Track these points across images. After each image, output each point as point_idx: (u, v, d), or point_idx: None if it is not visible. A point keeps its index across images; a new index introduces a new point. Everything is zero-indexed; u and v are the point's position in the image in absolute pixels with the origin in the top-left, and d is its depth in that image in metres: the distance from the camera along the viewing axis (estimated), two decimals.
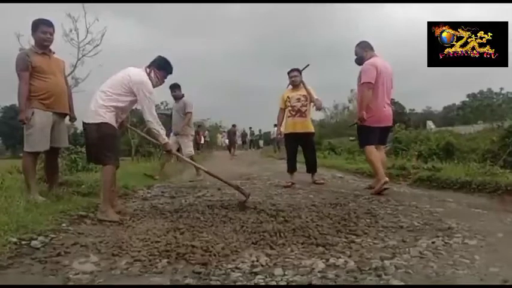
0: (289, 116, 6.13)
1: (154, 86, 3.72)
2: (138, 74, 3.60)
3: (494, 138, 8.40)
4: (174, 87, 7.20)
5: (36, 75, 3.91)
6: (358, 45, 5.25)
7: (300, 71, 6.02)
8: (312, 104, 6.02)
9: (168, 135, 5.16)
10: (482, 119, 25.74)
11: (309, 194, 4.78)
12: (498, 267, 1.97)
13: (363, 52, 5.16)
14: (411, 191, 5.13)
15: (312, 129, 6.20)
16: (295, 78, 6.09)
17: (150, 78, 3.67)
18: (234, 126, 22.80)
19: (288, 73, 6.22)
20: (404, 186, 5.68)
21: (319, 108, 6.23)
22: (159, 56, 3.87)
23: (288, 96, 6.15)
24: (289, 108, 6.08)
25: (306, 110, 5.99)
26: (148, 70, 3.74)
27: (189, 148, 7.20)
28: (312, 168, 6.22)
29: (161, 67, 3.81)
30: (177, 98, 7.24)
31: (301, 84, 6.00)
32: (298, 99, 6.02)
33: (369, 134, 5.00)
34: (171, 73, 3.94)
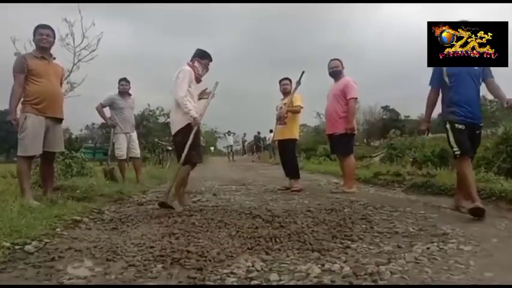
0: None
1: (200, 75, 4.37)
2: (178, 69, 4.26)
3: (488, 145, 8.45)
4: (125, 80, 6.76)
5: (30, 78, 3.94)
6: (338, 60, 5.76)
7: (297, 81, 6.06)
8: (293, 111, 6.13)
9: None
10: None
11: (305, 200, 4.78)
12: (493, 272, 1.97)
13: (342, 68, 5.73)
14: (406, 197, 5.15)
15: (288, 136, 6.18)
16: (286, 86, 6.24)
17: (194, 68, 4.28)
18: (259, 133, 25.62)
19: (280, 81, 6.37)
20: (399, 192, 5.71)
21: (278, 117, 6.21)
22: (198, 49, 4.43)
23: (276, 105, 6.39)
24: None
25: (286, 117, 6.07)
26: (191, 62, 4.33)
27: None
28: (288, 174, 6.26)
29: (203, 56, 4.40)
30: (126, 92, 6.76)
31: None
32: (281, 108, 6.13)
33: (353, 142, 5.85)
34: (211, 60, 4.46)
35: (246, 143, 32.74)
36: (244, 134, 33.45)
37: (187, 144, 3.99)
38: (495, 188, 4.42)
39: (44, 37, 4.05)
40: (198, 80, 4.42)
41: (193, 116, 4.08)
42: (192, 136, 4.03)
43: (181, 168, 4.15)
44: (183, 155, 4.01)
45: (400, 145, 12.45)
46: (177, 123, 4.22)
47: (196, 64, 4.32)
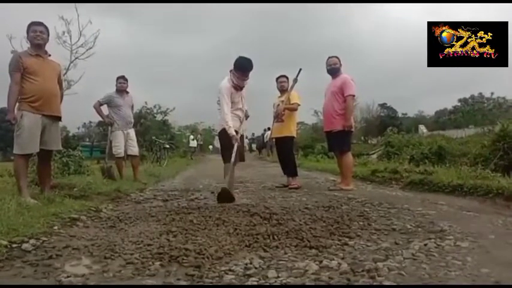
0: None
1: (237, 84, 4.55)
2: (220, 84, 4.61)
3: (485, 143, 8.46)
4: (123, 78, 6.73)
5: (26, 76, 3.92)
6: (336, 57, 5.78)
7: (294, 78, 6.05)
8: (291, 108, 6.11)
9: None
10: (473, 124, 25.96)
11: (302, 197, 4.79)
12: (489, 268, 1.98)
13: (339, 65, 5.74)
14: (404, 194, 5.17)
15: (285, 133, 6.16)
16: (283, 84, 6.23)
17: (231, 79, 4.53)
18: (265, 130, 26.08)
19: (276, 79, 6.37)
20: (396, 189, 5.72)
21: (275, 115, 6.19)
22: (237, 57, 4.57)
23: (274, 103, 6.36)
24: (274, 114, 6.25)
25: (283, 115, 6.04)
26: (230, 73, 4.59)
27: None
28: (285, 171, 6.24)
29: (236, 69, 4.57)
30: (123, 90, 6.71)
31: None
32: (278, 105, 6.12)
33: (350, 140, 5.88)
34: (247, 69, 4.57)
35: (247, 141, 32.91)
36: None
37: (223, 147, 4.55)
38: (492, 185, 4.44)
39: (37, 34, 4.03)
40: (238, 88, 4.66)
41: (232, 134, 4.45)
42: (235, 150, 4.47)
43: (224, 166, 4.69)
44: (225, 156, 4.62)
45: (398, 142, 12.46)
46: (218, 126, 4.72)
47: (231, 76, 4.60)
